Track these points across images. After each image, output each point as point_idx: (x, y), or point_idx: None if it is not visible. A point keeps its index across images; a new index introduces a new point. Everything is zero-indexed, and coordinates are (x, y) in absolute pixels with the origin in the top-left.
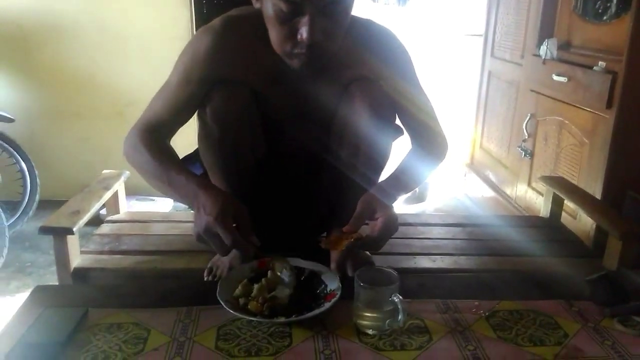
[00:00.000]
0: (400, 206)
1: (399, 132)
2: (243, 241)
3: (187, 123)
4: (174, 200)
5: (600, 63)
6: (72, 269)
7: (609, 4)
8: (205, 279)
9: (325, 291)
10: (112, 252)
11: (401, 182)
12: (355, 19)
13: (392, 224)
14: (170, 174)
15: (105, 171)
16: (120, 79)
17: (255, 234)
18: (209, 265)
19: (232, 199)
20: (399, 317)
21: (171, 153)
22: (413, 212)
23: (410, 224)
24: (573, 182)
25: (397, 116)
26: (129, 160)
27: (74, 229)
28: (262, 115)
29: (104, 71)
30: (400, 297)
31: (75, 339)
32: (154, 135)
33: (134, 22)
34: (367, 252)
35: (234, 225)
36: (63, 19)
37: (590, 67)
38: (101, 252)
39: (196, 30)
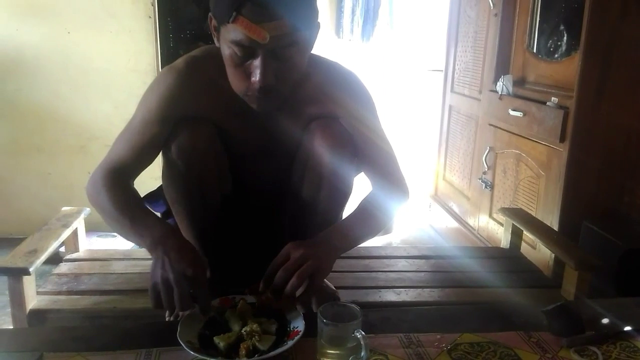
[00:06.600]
0: None
1: (360, 168)
2: (201, 303)
3: None
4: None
5: (553, 99)
6: (27, 310)
7: (559, 43)
8: (167, 319)
9: (288, 328)
10: (70, 292)
11: (356, 225)
12: (322, 60)
13: (290, 253)
14: (131, 217)
15: (64, 208)
16: (84, 113)
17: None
18: None
19: (196, 255)
20: (362, 353)
21: (134, 195)
22: (379, 244)
23: (375, 257)
24: (531, 213)
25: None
26: (91, 201)
27: (30, 270)
28: (227, 151)
29: (67, 105)
30: (363, 333)
31: None
32: (117, 176)
33: (98, 55)
34: (332, 287)
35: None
36: (25, 51)
37: (544, 103)
38: (59, 293)
39: (161, 65)
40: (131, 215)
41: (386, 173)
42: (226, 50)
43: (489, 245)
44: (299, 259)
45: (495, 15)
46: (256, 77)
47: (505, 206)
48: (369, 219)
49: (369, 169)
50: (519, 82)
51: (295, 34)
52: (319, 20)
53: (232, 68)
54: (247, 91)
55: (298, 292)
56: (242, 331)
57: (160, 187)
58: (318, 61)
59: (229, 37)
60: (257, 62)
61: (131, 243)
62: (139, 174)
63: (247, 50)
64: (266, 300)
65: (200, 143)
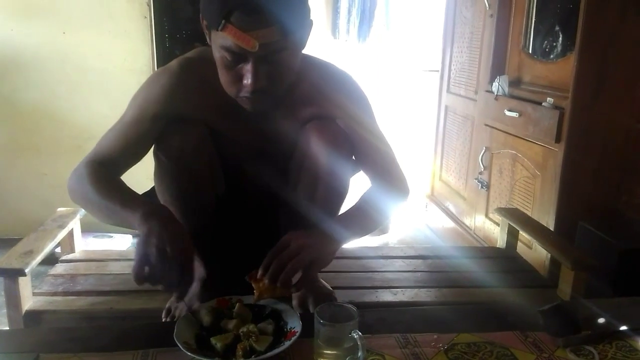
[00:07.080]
0: (365, 238)
1: (357, 168)
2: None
3: (149, 155)
4: (118, 225)
5: (549, 99)
6: (23, 311)
7: (555, 44)
8: (164, 319)
9: (285, 329)
10: (66, 293)
11: (354, 220)
12: (317, 61)
13: (290, 242)
14: (122, 200)
15: (60, 209)
16: (80, 113)
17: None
18: (167, 306)
19: (190, 237)
20: (359, 353)
21: (118, 181)
22: (376, 244)
23: (372, 257)
24: (527, 213)
25: (354, 155)
26: (73, 194)
27: (26, 270)
28: (221, 153)
29: (64, 105)
30: (360, 333)
31: None
32: (103, 168)
33: (94, 55)
34: (329, 287)
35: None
36: (21, 51)
37: (540, 103)
38: (54, 294)
39: (157, 65)
40: (121, 198)
41: (385, 172)
42: (217, 53)
43: (485, 245)
44: (297, 248)
45: (491, 16)
46: (248, 80)
47: (501, 206)
48: (370, 214)
49: (367, 168)
50: (515, 83)
51: (286, 39)
52: (312, 18)
53: (223, 70)
54: (239, 93)
55: (294, 280)
56: (240, 332)
57: (153, 188)
58: (312, 62)
59: (218, 43)
60: (248, 67)
61: (127, 243)
62: (125, 170)
63: (238, 56)
64: (263, 287)
65: (192, 144)
